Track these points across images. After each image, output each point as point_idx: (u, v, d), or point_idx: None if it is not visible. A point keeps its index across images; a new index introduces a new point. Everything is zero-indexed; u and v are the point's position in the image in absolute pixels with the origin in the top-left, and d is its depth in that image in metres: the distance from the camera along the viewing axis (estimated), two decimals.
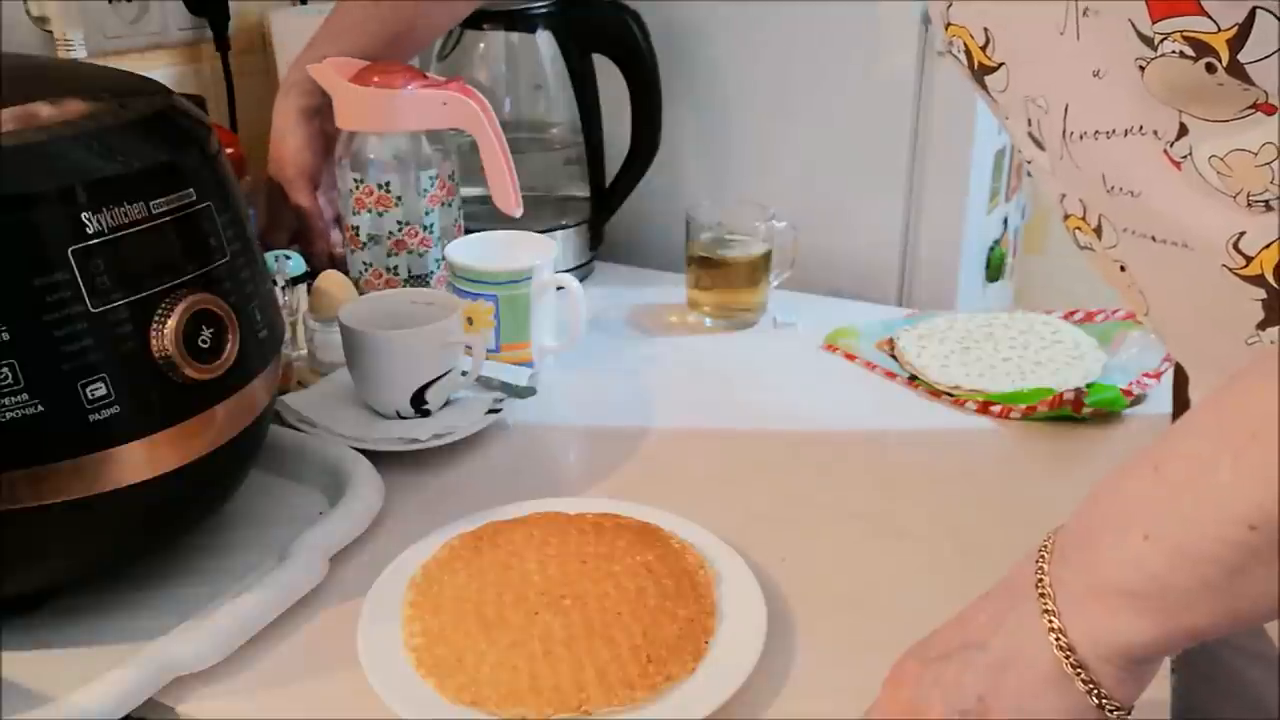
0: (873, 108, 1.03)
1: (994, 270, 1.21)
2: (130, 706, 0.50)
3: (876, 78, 1.02)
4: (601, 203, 1.08)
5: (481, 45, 1.07)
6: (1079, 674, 0.39)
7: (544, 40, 1.04)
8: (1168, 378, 0.83)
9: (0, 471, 0.48)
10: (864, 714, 0.48)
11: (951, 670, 0.43)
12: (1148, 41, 0.39)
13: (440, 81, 0.91)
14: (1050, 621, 0.40)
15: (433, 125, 0.91)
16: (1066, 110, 0.45)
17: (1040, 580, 0.41)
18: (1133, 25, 0.39)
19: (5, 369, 0.47)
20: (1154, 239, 0.45)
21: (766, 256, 0.97)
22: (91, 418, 0.49)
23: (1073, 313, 0.93)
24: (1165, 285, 0.47)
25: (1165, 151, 0.41)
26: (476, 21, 1.03)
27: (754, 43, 1.06)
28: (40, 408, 0.48)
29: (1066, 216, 0.51)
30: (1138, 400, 0.80)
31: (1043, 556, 0.42)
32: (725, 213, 0.98)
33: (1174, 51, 0.38)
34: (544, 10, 1.01)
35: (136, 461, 0.52)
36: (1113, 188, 0.45)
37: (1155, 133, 0.41)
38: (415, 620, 0.56)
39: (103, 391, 0.49)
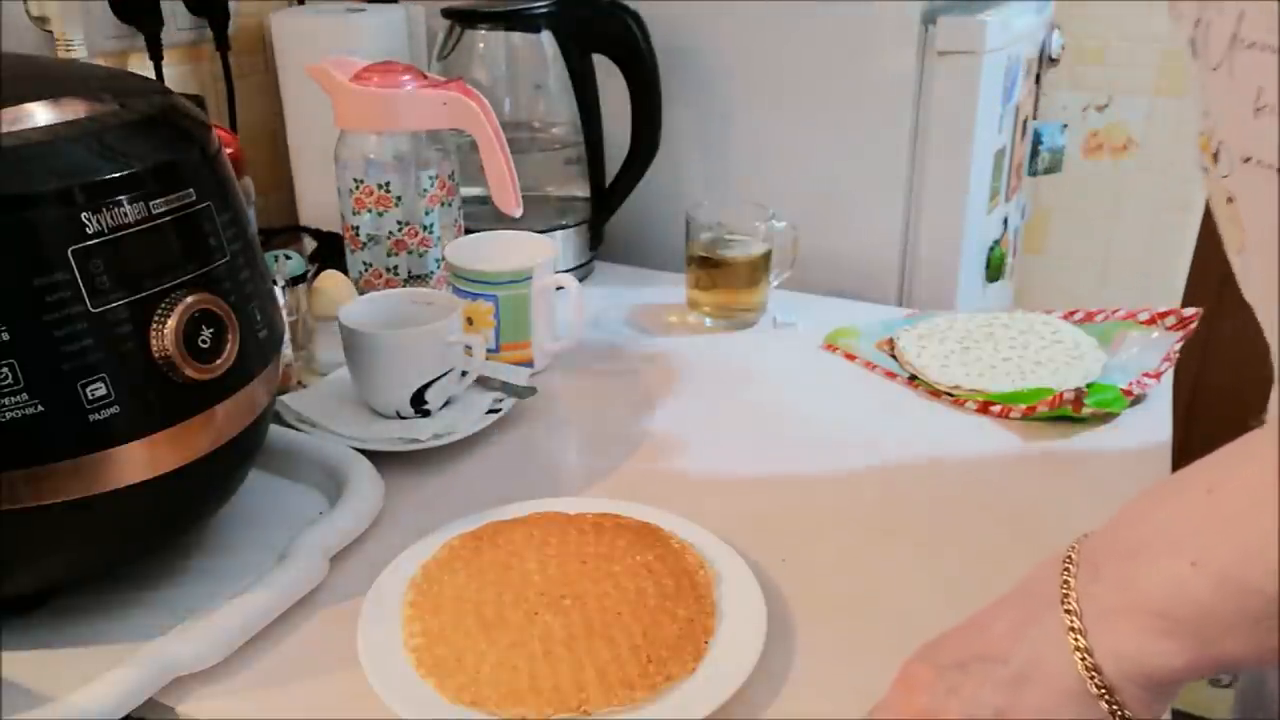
0: (873, 108, 1.03)
1: (994, 270, 1.21)
2: (130, 706, 0.50)
3: (876, 78, 1.02)
4: (601, 203, 1.08)
5: (481, 45, 1.07)
6: (1103, 695, 0.39)
7: (544, 40, 1.04)
8: (1168, 378, 0.83)
9: (0, 471, 0.48)
10: (868, 714, 0.48)
11: (970, 682, 0.43)
12: None
13: (440, 81, 0.91)
14: (1076, 639, 0.39)
15: (433, 125, 0.91)
16: (1241, 16, 0.41)
17: (1066, 595, 0.40)
18: None
19: (5, 369, 0.47)
20: None
21: (766, 256, 0.97)
22: (91, 418, 0.49)
23: (1073, 313, 0.93)
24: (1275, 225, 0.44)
25: None
26: (476, 21, 1.03)
27: (754, 42, 1.06)
28: (40, 408, 0.48)
29: (1200, 134, 0.47)
30: (1138, 400, 0.80)
31: (1068, 569, 0.41)
32: (725, 213, 0.98)
33: None
34: (544, 10, 1.01)
35: (136, 461, 0.52)
36: (1265, 106, 0.41)
37: None
38: (415, 620, 0.56)
39: (103, 391, 0.49)
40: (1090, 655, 0.39)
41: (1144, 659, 0.38)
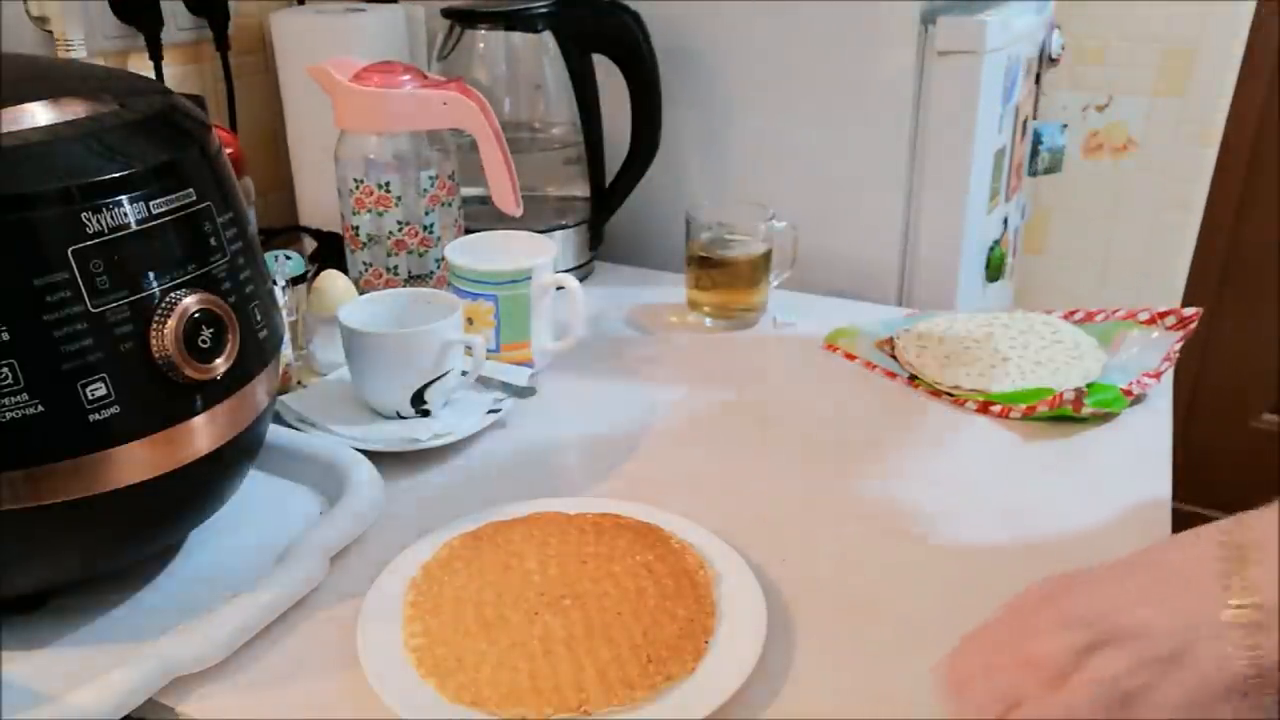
0: (873, 108, 1.03)
1: (994, 270, 1.21)
2: (130, 706, 0.50)
3: (876, 78, 1.02)
4: (601, 203, 1.08)
5: (481, 45, 1.07)
6: (1268, 690, 0.38)
7: (544, 40, 1.04)
8: (1168, 378, 0.83)
9: (0, 471, 0.48)
10: (970, 631, 0.45)
11: (1107, 647, 0.41)
12: None
13: (440, 81, 0.91)
14: (1248, 635, 0.38)
15: (433, 125, 0.91)
16: None
17: (1228, 585, 0.39)
18: None
19: (5, 369, 0.47)
20: None
21: (766, 256, 0.97)
22: (91, 418, 0.49)
23: (1073, 313, 0.93)
24: None
25: None
26: (476, 21, 1.03)
27: (754, 42, 1.06)
28: (40, 408, 0.48)
29: None
30: (1138, 400, 0.80)
31: (1227, 556, 0.40)
32: (725, 213, 0.98)
33: None
34: (544, 10, 1.01)
35: (136, 461, 0.52)
36: None
37: None
38: (415, 620, 0.56)
39: (102, 391, 0.49)
40: (1260, 649, 0.38)
41: None
